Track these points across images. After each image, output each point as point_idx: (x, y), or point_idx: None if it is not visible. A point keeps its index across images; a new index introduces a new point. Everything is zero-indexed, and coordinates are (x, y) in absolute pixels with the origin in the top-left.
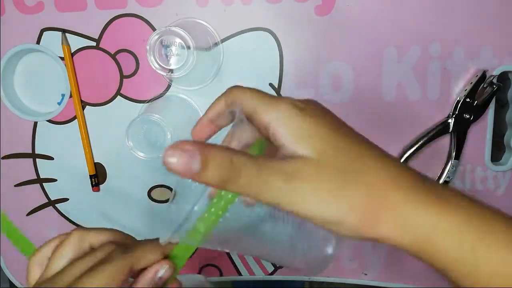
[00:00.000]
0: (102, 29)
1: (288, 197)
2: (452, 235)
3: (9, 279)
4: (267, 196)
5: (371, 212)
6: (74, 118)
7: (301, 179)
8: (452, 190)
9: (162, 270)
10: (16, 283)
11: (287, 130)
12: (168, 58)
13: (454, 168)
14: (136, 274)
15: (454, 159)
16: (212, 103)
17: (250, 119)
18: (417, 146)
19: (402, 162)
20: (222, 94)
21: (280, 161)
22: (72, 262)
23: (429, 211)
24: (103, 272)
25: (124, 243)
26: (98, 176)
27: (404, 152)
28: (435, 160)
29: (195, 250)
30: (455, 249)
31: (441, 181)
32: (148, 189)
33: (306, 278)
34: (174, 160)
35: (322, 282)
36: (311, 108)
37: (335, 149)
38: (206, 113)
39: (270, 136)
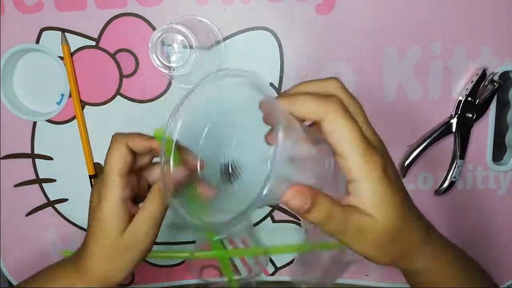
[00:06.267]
0: (102, 29)
1: (354, 242)
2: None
3: (8, 280)
4: (343, 237)
5: (398, 259)
6: (74, 118)
7: (368, 234)
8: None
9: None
10: (15, 283)
11: (368, 193)
12: (170, 56)
13: (459, 168)
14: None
15: (459, 158)
16: (299, 99)
17: (326, 136)
18: (422, 147)
19: (408, 164)
20: (320, 102)
21: (357, 215)
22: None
23: (429, 262)
24: (110, 155)
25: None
26: (97, 176)
27: (410, 154)
28: (440, 160)
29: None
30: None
31: (447, 181)
32: None
33: (306, 279)
34: (293, 201)
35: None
36: (390, 169)
37: (397, 217)
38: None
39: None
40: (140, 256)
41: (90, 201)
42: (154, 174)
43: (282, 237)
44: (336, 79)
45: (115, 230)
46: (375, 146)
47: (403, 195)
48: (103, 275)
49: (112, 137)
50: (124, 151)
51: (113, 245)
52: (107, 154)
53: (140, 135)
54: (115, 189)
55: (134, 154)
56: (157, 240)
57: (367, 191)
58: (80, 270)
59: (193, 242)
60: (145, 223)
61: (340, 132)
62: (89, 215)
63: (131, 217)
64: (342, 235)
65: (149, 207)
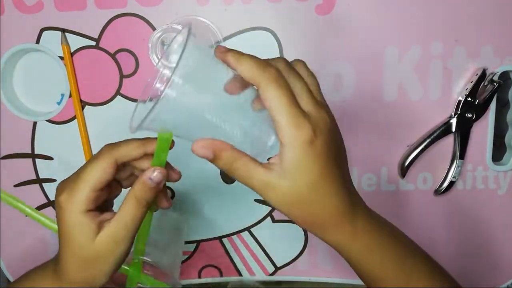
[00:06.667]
0: (102, 29)
1: (262, 192)
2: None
3: (8, 279)
4: (251, 184)
5: (313, 228)
6: (74, 118)
7: (276, 189)
8: (368, 222)
9: (153, 173)
10: None
11: (287, 157)
12: (169, 56)
13: (459, 168)
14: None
15: (459, 158)
16: (243, 59)
17: (262, 102)
18: (421, 147)
19: (408, 164)
20: (257, 71)
21: (264, 171)
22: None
23: (346, 239)
24: (91, 166)
25: (115, 143)
26: None
27: (410, 154)
28: (439, 160)
29: (172, 142)
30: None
31: (447, 181)
32: None
33: (306, 279)
34: (197, 151)
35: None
36: (320, 142)
37: (308, 185)
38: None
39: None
40: (117, 261)
41: (56, 198)
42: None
43: (282, 237)
44: (283, 58)
45: (83, 241)
46: (309, 117)
47: (326, 169)
48: (82, 281)
49: (102, 147)
50: (107, 168)
51: (84, 254)
52: (88, 161)
53: (134, 142)
54: (80, 202)
55: (118, 167)
56: None
57: (287, 155)
58: (58, 276)
59: (191, 242)
60: (119, 230)
61: (271, 100)
62: (56, 216)
63: (99, 224)
64: (248, 181)
65: (124, 214)
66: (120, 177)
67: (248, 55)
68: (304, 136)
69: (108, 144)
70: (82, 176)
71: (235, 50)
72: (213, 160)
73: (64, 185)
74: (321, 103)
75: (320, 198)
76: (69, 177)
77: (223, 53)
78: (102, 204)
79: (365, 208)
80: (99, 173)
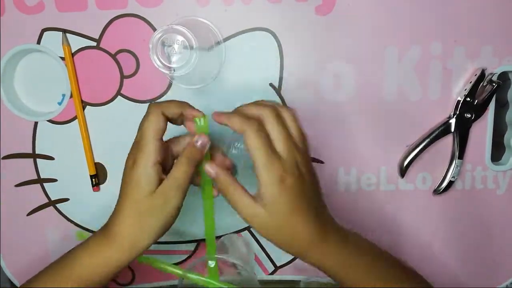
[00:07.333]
0: (103, 29)
1: (249, 221)
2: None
3: (9, 279)
4: (238, 211)
5: (297, 253)
6: (75, 118)
7: (259, 218)
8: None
9: (199, 138)
10: (16, 283)
11: (264, 192)
12: (170, 57)
13: (458, 168)
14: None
15: (458, 158)
16: (232, 119)
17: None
18: (420, 147)
19: (407, 164)
20: (243, 123)
21: (249, 202)
22: None
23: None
24: (146, 121)
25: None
26: (98, 176)
27: (409, 154)
28: (438, 160)
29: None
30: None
31: (446, 181)
32: None
33: (306, 279)
34: (210, 170)
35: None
36: (291, 179)
37: (283, 217)
38: (226, 119)
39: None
40: (166, 220)
41: (125, 165)
42: (179, 145)
43: None
44: (273, 105)
45: (146, 191)
46: (280, 158)
47: (297, 202)
48: (131, 240)
49: (149, 105)
50: (160, 117)
51: (143, 205)
52: (143, 119)
53: (173, 101)
54: (149, 152)
55: (167, 121)
56: (159, 240)
57: (263, 191)
58: (108, 238)
59: (191, 241)
60: (173, 186)
61: (250, 146)
62: (122, 179)
63: (160, 181)
64: (237, 208)
65: (177, 172)
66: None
67: (237, 114)
68: (276, 175)
69: (152, 102)
70: (142, 131)
71: (227, 112)
72: (215, 181)
73: (131, 151)
74: (296, 146)
75: (294, 227)
76: (132, 147)
77: (218, 116)
78: (163, 164)
79: (336, 232)
80: (154, 123)
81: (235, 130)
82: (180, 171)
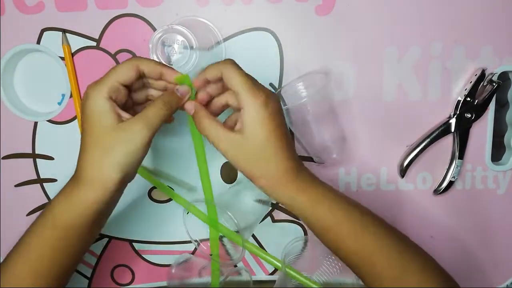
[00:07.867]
0: (103, 29)
1: (229, 152)
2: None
3: None
4: (220, 145)
5: (270, 185)
6: (75, 118)
7: (242, 147)
8: (310, 182)
9: (181, 87)
10: None
11: (248, 116)
12: (170, 57)
13: (458, 168)
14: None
15: (458, 158)
16: (207, 68)
17: (227, 84)
18: (421, 147)
19: (407, 163)
20: (218, 66)
21: (232, 133)
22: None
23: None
24: (117, 66)
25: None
26: None
27: (409, 154)
28: (439, 160)
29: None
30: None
31: (446, 181)
32: (148, 189)
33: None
34: (188, 107)
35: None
36: (272, 106)
37: (265, 140)
38: (202, 74)
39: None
40: (133, 155)
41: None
42: (142, 94)
43: (281, 237)
44: (225, 60)
45: (103, 124)
46: (261, 87)
47: (276, 126)
48: (99, 176)
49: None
50: (131, 67)
51: (105, 140)
52: (116, 65)
53: (153, 60)
54: (101, 86)
55: (139, 75)
56: (159, 240)
57: (247, 115)
58: (79, 179)
59: (189, 242)
60: (140, 121)
61: (233, 77)
62: (80, 118)
63: (119, 115)
64: (219, 143)
65: (149, 111)
66: (136, 98)
67: (207, 67)
68: (259, 100)
69: (134, 57)
70: (108, 72)
71: (200, 72)
72: (193, 118)
73: (93, 82)
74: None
75: (271, 156)
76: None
77: (197, 79)
78: (123, 106)
79: (308, 170)
80: (123, 70)
81: (213, 77)
82: (152, 111)
